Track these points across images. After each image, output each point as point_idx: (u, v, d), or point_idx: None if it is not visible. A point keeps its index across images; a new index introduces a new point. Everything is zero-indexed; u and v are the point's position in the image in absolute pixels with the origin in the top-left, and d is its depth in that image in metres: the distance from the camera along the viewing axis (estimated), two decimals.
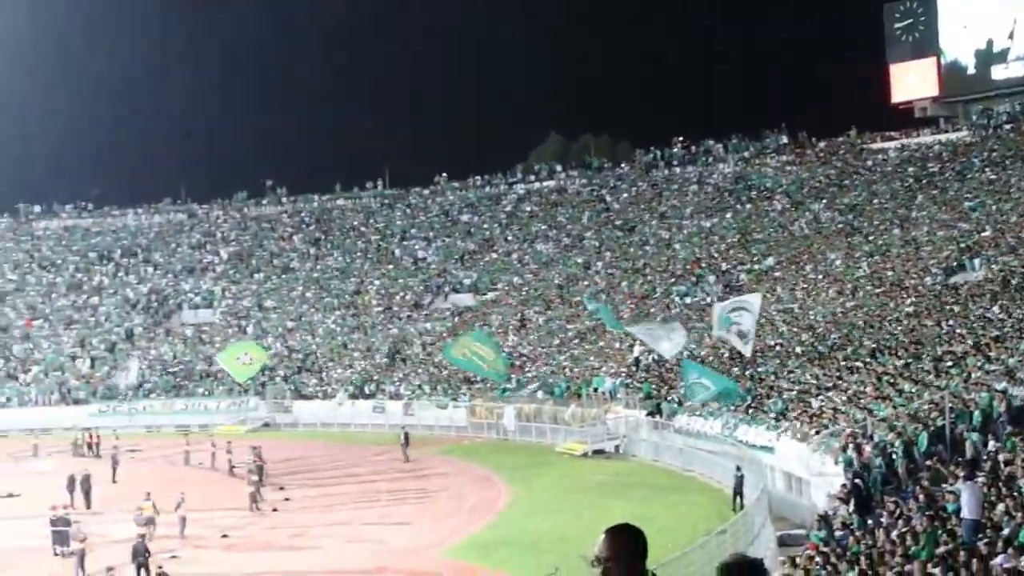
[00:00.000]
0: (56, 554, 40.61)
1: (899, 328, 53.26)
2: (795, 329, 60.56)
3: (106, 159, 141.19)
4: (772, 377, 54.44)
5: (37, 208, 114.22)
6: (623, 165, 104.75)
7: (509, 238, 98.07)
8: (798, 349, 57.09)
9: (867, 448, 36.28)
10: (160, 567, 33.46)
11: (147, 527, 40.72)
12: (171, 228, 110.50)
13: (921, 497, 30.17)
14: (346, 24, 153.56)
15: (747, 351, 55.17)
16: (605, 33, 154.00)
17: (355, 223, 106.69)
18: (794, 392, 50.23)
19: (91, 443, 68.77)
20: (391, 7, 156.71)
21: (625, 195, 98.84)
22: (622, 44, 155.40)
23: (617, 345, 70.79)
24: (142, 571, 35.60)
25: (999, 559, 23.38)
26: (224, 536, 43.43)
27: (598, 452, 58.04)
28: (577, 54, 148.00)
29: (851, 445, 36.82)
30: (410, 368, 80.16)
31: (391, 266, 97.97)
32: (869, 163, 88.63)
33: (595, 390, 64.09)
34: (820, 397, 47.33)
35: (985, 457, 32.49)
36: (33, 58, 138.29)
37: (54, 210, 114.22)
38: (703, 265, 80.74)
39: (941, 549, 25.21)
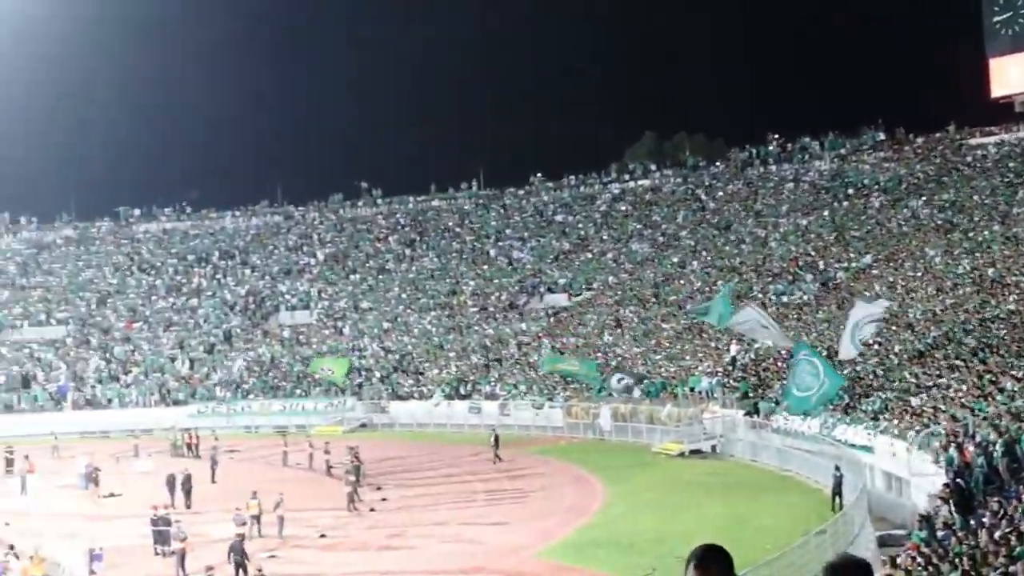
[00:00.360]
0: (157, 553, 41.07)
1: (1000, 325, 52.39)
2: (894, 328, 59.70)
3: (204, 163, 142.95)
4: (871, 376, 53.82)
5: (137, 212, 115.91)
6: (718, 163, 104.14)
7: (604, 238, 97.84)
8: (897, 347, 56.36)
9: (969, 447, 35.69)
10: (260, 569, 33.62)
11: (247, 526, 41.01)
12: (268, 230, 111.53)
13: None
14: (438, 27, 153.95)
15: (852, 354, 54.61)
16: (699, 30, 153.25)
17: (450, 224, 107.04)
18: (894, 391, 49.61)
19: (190, 444, 69.52)
20: (483, 8, 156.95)
21: (720, 193, 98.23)
22: (717, 41, 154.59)
23: (713, 344, 70.36)
24: (240, 571, 35.78)
25: None
26: (322, 536, 43.66)
27: (695, 452, 57.73)
28: (671, 52, 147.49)
29: (952, 444, 36.27)
30: (506, 368, 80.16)
31: (486, 266, 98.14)
32: (968, 159, 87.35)
33: (691, 390, 63.76)
34: (920, 396, 46.68)
35: None
36: (132, 67, 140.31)
37: (153, 213, 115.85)
38: (800, 263, 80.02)
39: None
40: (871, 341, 57.26)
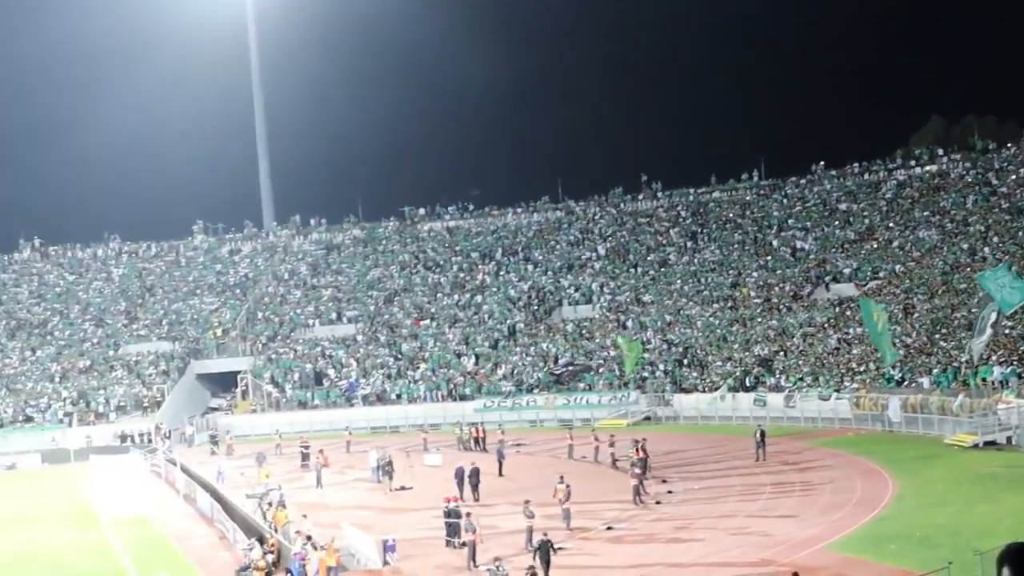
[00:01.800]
0: (449, 545, 41.75)
1: None
2: None
3: (485, 161, 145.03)
4: None
5: (421, 211, 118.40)
6: (1009, 146, 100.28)
7: (890, 225, 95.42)
8: None
9: None
10: (531, 567, 33.63)
11: (534, 519, 41.28)
12: (549, 226, 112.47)
13: None
14: (713, 13, 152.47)
15: None
16: (990, 7, 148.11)
17: (731, 215, 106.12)
18: None
19: (477, 437, 70.53)
20: None
21: (1013, 177, 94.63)
22: (1009, 16, 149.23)
23: (1008, 332, 67.81)
24: (547, 569, 35.48)
25: None
26: (608, 528, 43.71)
27: (989, 444, 55.65)
28: (959, 31, 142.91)
29: None
30: (791, 360, 78.89)
31: (769, 257, 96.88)
32: None
33: (983, 380, 61.63)
34: None
35: None
36: (415, 71, 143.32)
37: (437, 212, 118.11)
38: None
39: None
40: None
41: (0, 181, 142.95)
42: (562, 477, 46.12)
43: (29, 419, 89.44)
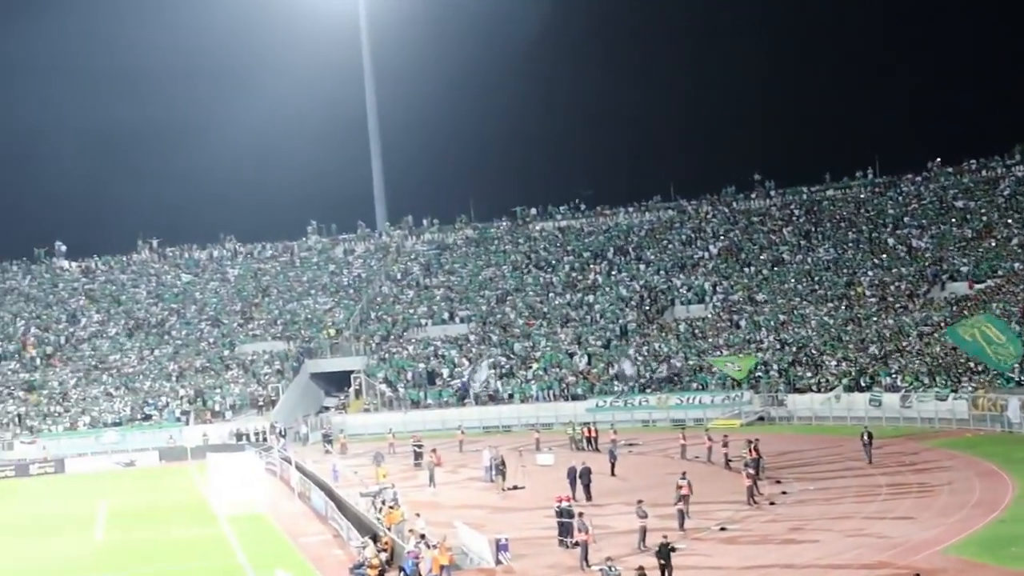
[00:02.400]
0: (561, 545, 41.74)
1: None
2: None
3: (596, 160, 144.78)
4: None
5: (533, 211, 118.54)
6: None
7: (1008, 223, 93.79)
8: None
9: None
10: (640, 567, 33.37)
11: (647, 519, 41.09)
12: (661, 225, 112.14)
13: None
14: (816, 8, 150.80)
15: None
16: None
17: (845, 213, 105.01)
18: None
19: (589, 437, 70.48)
20: None
21: None
22: None
23: None
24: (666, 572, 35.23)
25: None
26: (722, 529, 43.46)
27: None
28: None
29: None
30: (907, 359, 77.78)
31: (884, 256, 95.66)
32: None
33: None
34: None
35: None
36: (527, 70, 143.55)
37: (549, 212, 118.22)
38: None
39: None
40: None
41: (120, 183, 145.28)
42: (684, 474, 46.29)
43: (147, 417, 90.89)
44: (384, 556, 39.28)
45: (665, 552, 34.37)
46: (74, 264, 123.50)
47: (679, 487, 45.21)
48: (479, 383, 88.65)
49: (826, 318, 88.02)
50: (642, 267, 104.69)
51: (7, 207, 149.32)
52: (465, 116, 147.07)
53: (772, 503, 48.22)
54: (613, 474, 58.24)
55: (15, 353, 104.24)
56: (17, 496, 72.55)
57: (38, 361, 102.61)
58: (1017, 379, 67.32)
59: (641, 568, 32.14)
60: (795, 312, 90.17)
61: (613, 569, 32.36)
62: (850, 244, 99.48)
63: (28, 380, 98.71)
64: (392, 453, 71.88)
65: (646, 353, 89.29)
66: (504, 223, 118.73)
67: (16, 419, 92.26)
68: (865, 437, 57.76)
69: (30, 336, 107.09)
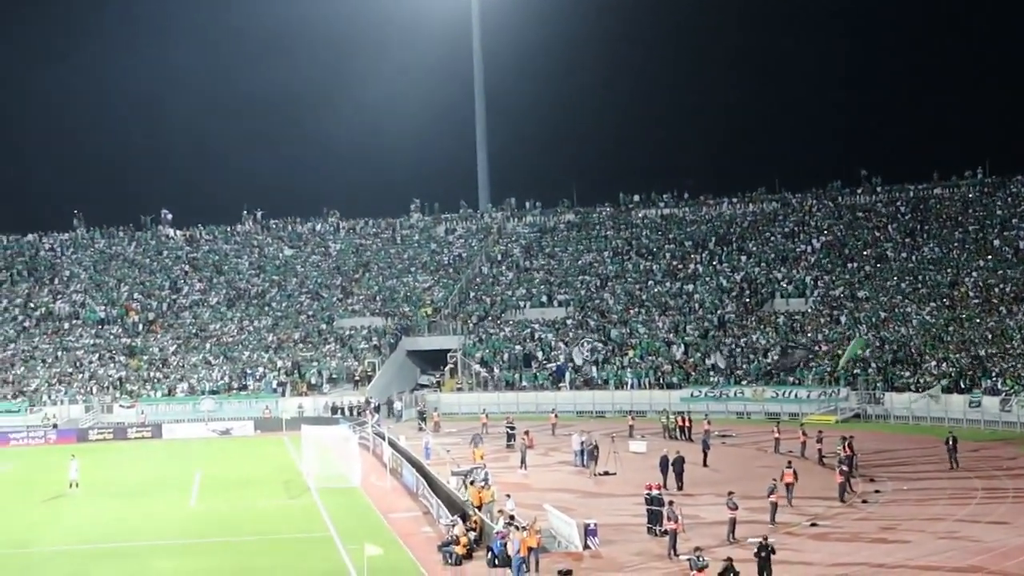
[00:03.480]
0: (650, 532, 41.66)
1: None
2: None
3: (701, 150, 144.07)
4: None
5: (636, 197, 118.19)
6: None
7: None
8: None
9: None
10: (728, 559, 33.07)
11: (737, 511, 40.86)
12: (764, 217, 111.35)
13: None
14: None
15: None
16: None
17: (952, 212, 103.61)
18: None
19: (682, 426, 70.30)
20: None
21: None
22: None
23: None
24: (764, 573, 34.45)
25: None
26: (813, 524, 43.12)
27: None
28: None
29: None
30: (1009, 363, 76.62)
31: (990, 257, 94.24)
32: None
33: None
34: None
35: None
36: (636, 58, 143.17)
37: (652, 199, 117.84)
38: None
39: None
40: None
41: (227, 155, 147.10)
42: (790, 462, 46.91)
43: (244, 387, 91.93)
44: (473, 535, 39.46)
45: (765, 552, 33.84)
46: (179, 232, 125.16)
47: (784, 475, 45.80)
48: (580, 359, 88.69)
49: (928, 317, 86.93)
50: (743, 258, 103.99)
51: (116, 174, 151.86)
52: (571, 101, 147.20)
53: (865, 501, 47.79)
54: (705, 464, 58.02)
55: (118, 318, 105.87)
56: (115, 459, 73.67)
57: (140, 327, 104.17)
58: None
59: (729, 559, 31.95)
60: (896, 310, 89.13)
61: (701, 559, 32.17)
62: (955, 244, 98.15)
63: (129, 345, 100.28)
64: (485, 434, 72.07)
65: (743, 345, 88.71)
66: (606, 209, 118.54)
67: (116, 383, 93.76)
68: (950, 442, 56.84)
69: (133, 302, 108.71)
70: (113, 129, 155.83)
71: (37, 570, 39.89)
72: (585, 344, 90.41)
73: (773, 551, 33.83)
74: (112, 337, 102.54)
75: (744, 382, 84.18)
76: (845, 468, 49.20)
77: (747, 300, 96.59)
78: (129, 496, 56.48)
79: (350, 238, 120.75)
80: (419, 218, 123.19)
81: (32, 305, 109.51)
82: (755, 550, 34.15)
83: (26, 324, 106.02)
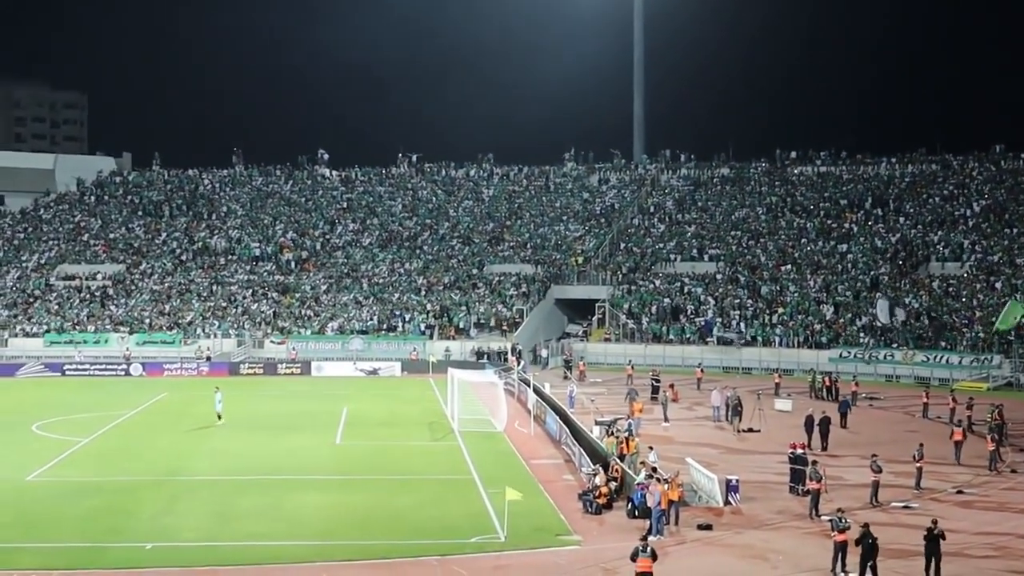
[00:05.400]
0: (792, 491, 41.37)
1: None
2: None
3: (861, 108, 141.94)
4: None
5: (793, 154, 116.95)
6: None
7: None
8: None
9: None
10: (866, 524, 32.32)
11: (881, 473, 40.38)
12: (923, 179, 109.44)
13: None
14: None
15: None
16: None
17: None
18: None
19: (828, 386, 69.55)
20: None
21: None
22: None
23: None
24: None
25: None
26: (959, 492, 42.43)
27: None
28: None
29: None
30: None
31: None
32: None
33: None
34: None
35: None
36: (795, 16, 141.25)
37: (809, 156, 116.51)
38: None
39: None
40: None
41: (384, 98, 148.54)
42: (959, 421, 48.35)
43: (392, 328, 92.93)
44: (614, 485, 39.53)
45: (933, 537, 32.11)
46: (335, 173, 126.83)
47: (954, 433, 46.58)
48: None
49: None
50: (900, 219, 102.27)
51: (275, 114, 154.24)
52: (731, 55, 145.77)
53: (1014, 471, 46.88)
54: (843, 426, 57.20)
55: (272, 255, 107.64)
56: (265, 393, 75.04)
57: (293, 265, 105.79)
58: None
59: (866, 525, 31.45)
60: None
61: (843, 521, 31.78)
62: None
63: (283, 282, 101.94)
64: (630, 385, 72.09)
65: (909, 311, 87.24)
66: (762, 164, 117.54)
67: (268, 319, 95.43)
68: None
69: (288, 240, 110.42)
70: (275, 71, 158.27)
71: (186, 498, 40.84)
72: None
73: (943, 536, 32.22)
74: (266, 274, 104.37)
75: (894, 345, 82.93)
76: (995, 436, 48.30)
77: (902, 262, 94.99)
78: (276, 430, 57.51)
79: (503, 184, 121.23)
80: (573, 167, 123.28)
81: (190, 239, 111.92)
82: (924, 534, 32.54)
83: (183, 258, 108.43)
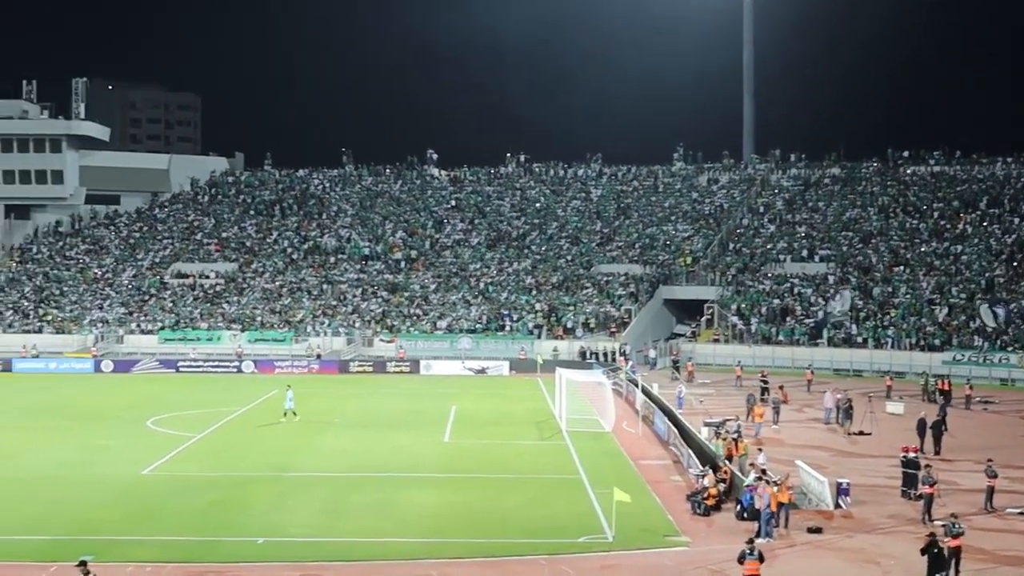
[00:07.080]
0: (904, 496, 40.81)
1: None
2: None
3: (976, 108, 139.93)
4: None
5: (906, 154, 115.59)
6: None
7: None
8: None
9: None
10: (931, 533, 31.54)
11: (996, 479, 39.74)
12: None
13: None
14: None
15: None
16: None
17: None
18: None
19: (942, 389, 68.52)
20: None
21: None
22: None
23: None
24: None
25: None
26: None
27: None
28: None
29: None
30: None
31: None
32: None
33: None
34: None
35: None
36: (898, 15, 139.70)
37: (922, 156, 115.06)
38: None
39: None
40: None
41: (492, 98, 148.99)
42: None
43: (501, 328, 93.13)
44: (722, 487, 39.29)
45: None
46: (443, 172, 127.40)
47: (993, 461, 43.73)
48: (838, 311, 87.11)
49: None
50: (1016, 220, 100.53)
51: (385, 114, 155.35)
52: (841, 54, 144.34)
53: None
54: (944, 429, 55.89)
55: (382, 254, 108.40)
56: (375, 391, 75.56)
57: (402, 264, 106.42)
58: None
59: (932, 534, 29.95)
60: None
61: (957, 526, 31.27)
62: None
63: (392, 281, 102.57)
64: (739, 386, 71.56)
65: (1013, 310, 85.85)
66: (874, 164, 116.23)
67: (378, 317, 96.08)
68: None
69: (397, 239, 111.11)
70: (385, 72, 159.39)
71: (297, 494, 41.23)
72: (844, 294, 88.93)
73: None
74: (375, 273, 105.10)
75: (1010, 348, 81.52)
76: None
77: (1017, 264, 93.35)
78: (385, 428, 57.90)
79: (611, 184, 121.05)
80: (681, 167, 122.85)
81: (301, 238, 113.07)
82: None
83: (294, 256, 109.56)
